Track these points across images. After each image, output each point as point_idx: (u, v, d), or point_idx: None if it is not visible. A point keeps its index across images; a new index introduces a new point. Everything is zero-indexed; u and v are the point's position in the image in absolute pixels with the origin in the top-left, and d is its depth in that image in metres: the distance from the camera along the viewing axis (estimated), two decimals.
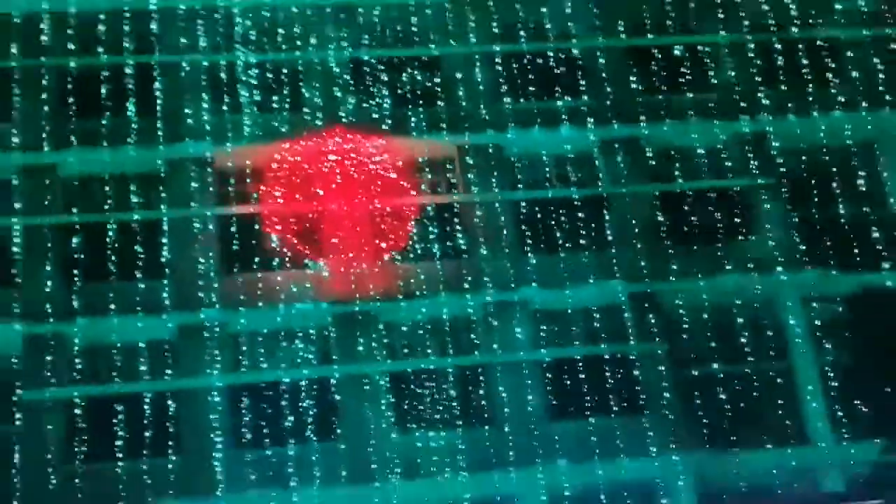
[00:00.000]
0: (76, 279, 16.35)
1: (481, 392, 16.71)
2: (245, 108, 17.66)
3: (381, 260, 17.13)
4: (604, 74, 18.83)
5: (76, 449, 15.45)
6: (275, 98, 18.02)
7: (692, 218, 18.08)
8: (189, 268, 16.49)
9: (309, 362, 16.40)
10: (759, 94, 19.02)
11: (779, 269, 17.49)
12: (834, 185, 18.64)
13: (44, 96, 17.41)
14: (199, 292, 16.31)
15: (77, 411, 15.61)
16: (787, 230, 17.99)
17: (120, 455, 15.33)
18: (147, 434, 15.58)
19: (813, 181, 18.58)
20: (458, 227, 17.84)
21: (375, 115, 18.00)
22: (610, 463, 15.91)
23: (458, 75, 18.55)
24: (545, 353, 16.76)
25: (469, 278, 17.14)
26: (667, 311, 17.18)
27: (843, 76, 19.59)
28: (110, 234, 16.78)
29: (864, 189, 18.63)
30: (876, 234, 18.02)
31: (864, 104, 19.11)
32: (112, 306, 16.03)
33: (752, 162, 18.49)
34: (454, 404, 16.44)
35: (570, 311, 17.14)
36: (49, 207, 16.73)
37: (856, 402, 16.37)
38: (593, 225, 17.94)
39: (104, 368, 16.11)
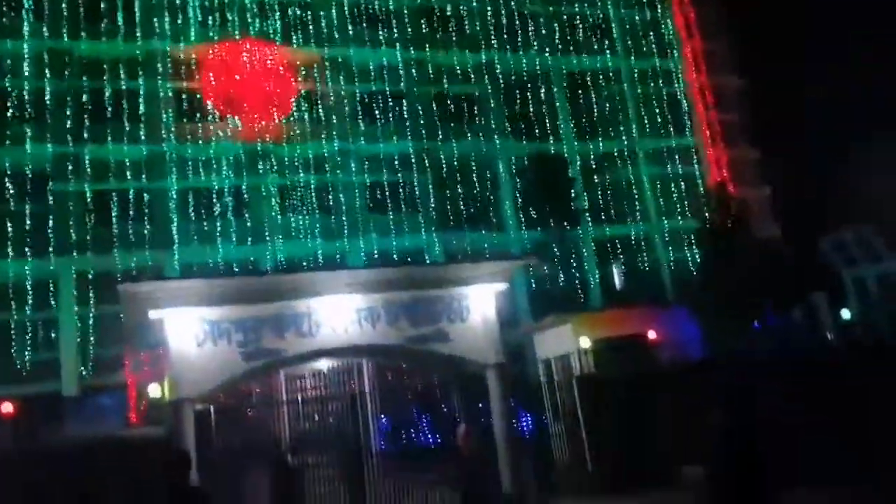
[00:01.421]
0: None
1: (331, 196, 30.86)
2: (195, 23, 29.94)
3: (273, 119, 30.40)
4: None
5: None
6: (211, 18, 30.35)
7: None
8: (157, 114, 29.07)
9: (230, 175, 29.67)
10: None
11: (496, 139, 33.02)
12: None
13: None
14: (162, 132, 28.95)
15: None
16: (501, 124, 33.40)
17: None
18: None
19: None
20: (318, 102, 31.34)
21: (271, 32, 30.80)
22: (399, 238, 30.82)
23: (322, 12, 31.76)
24: (367, 177, 31.13)
25: (324, 133, 30.92)
26: (438, 159, 32.12)
27: None
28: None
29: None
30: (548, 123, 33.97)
31: None
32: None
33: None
34: (314, 200, 30.49)
35: (381, 154, 31.51)
36: None
37: (529, 209, 32.13)
38: (392, 104, 32.30)
39: None
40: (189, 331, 12.72)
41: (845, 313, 28.19)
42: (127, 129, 28.75)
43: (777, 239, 35.12)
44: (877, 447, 10.87)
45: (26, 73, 28.15)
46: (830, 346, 20.55)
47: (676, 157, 36.58)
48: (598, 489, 13.90)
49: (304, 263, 28.62)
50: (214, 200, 29.30)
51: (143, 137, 28.84)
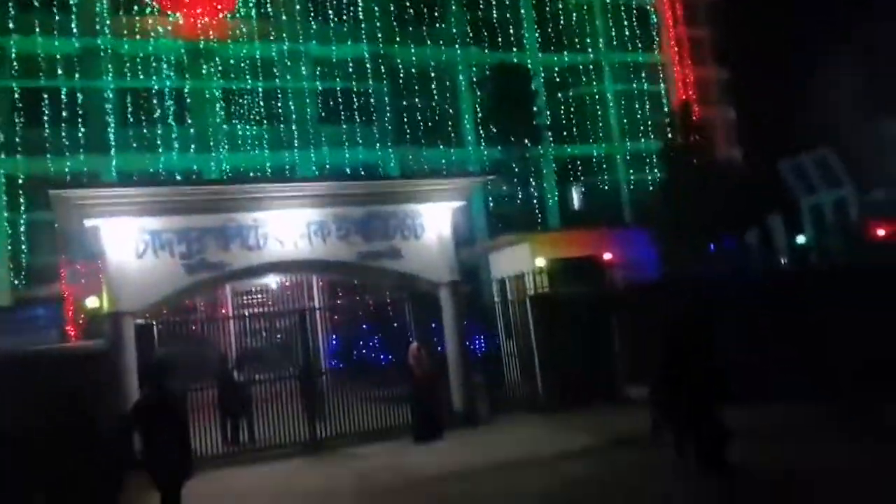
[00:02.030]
0: None
1: (279, 104, 30.05)
2: None
3: (216, 15, 29.14)
4: None
5: None
6: None
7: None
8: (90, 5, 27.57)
9: (171, 77, 28.56)
10: None
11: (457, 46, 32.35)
12: None
13: None
14: (97, 25, 27.61)
15: None
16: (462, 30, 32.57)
17: None
18: None
19: None
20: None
21: None
22: (352, 151, 30.40)
23: None
24: (318, 83, 30.35)
25: (273, 33, 29.87)
26: (395, 67, 31.43)
27: None
28: None
29: None
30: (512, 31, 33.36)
31: None
32: None
33: None
34: (261, 107, 29.68)
35: (334, 57, 30.65)
36: None
37: (489, 125, 31.84)
38: (346, 3, 31.27)
39: None
40: (128, 241, 12.49)
41: (800, 238, 29.06)
42: (57, 19, 27.28)
43: (738, 161, 35.63)
44: (840, 372, 11.47)
45: None
46: (784, 269, 21.27)
47: (642, 73, 36.46)
48: (548, 407, 14.39)
49: (252, 174, 28.07)
50: (155, 104, 28.26)
51: (75, 30, 27.42)
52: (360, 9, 31.38)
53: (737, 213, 22.79)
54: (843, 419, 10.66)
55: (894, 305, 11.81)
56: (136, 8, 28.35)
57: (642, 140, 35.20)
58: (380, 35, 31.39)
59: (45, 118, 26.84)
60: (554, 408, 14.26)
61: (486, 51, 33.17)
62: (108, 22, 27.87)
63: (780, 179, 32.96)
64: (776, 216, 29.51)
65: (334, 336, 17.32)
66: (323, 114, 30.50)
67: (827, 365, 11.69)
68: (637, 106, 35.98)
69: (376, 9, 31.53)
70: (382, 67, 31.30)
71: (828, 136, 32.30)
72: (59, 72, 27.15)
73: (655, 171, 32.81)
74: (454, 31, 32.80)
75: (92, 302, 19.03)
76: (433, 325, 14.75)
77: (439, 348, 14.44)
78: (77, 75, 27.29)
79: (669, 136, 28.56)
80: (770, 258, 26.31)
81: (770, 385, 11.61)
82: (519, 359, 15.54)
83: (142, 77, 28.17)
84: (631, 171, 35.23)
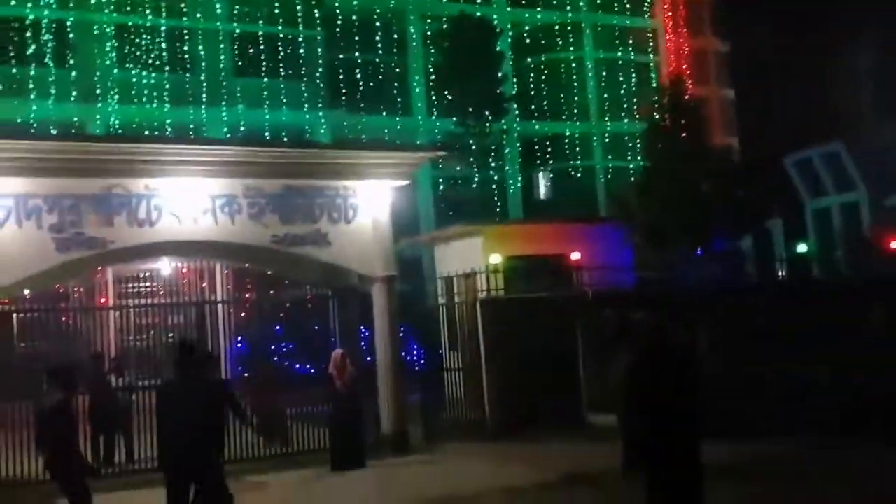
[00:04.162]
0: None
1: (187, 47, 29.64)
2: None
3: None
4: None
5: None
6: None
7: None
8: None
9: (50, 5, 27.90)
10: None
11: None
12: None
13: None
14: None
15: None
16: None
17: None
18: None
19: None
20: None
21: None
22: (274, 111, 30.16)
23: None
24: (236, 26, 30.08)
25: None
26: (332, 11, 31.36)
27: None
28: None
29: None
30: None
31: None
32: None
33: None
34: (163, 49, 29.19)
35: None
36: None
37: (444, 89, 31.89)
38: None
39: None
40: None
41: (802, 247, 29.94)
42: None
43: (735, 152, 36.43)
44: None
45: None
46: (782, 282, 21.85)
47: (629, 40, 37.00)
48: (496, 435, 14.52)
49: (146, 132, 27.60)
50: (28, 38, 27.46)
51: None
52: None
53: (730, 214, 23.36)
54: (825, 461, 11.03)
55: None
56: None
57: (625, 120, 35.74)
58: None
59: None
60: (502, 435, 14.39)
61: None
62: None
63: (784, 177, 33.86)
64: (776, 219, 30.31)
65: (240, 337, 17.20)
66: (240, 63, 30.33)
67: (827, 398, 12.14)
68: (621, 78, 36.52)
69: None
70: (316, 11, 31.12)
71: (843, 130, 33.24)
72: None
73: (637, 157, 33.35)
74: None
75: None
76: (362, 330, 14.77)
77: (368, 358, 14.45)
78: None
79: (656, 116, 29.08)
80: (766, 268, 27.05)
81: (755, 420, 12.02)
82: (464, 374, 15.63)
83: (13, 3, 27.40)
84: (609, 156, 35.77)
